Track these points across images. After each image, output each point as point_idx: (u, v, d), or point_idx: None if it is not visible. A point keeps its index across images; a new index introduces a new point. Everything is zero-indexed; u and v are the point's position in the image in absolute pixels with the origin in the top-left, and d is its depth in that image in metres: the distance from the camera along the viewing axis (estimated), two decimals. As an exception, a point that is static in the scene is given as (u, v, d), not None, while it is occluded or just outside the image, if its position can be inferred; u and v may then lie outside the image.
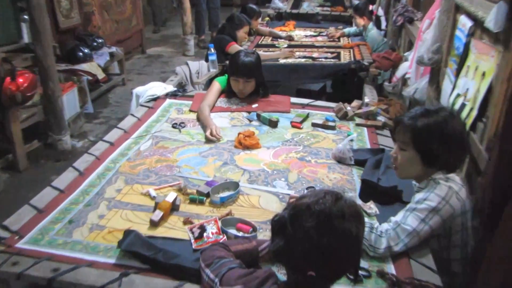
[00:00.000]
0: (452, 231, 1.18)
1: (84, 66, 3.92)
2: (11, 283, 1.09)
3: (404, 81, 3.08)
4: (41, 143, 3.22)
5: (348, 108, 2.24)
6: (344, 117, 2.20)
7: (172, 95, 2.47)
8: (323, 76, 3.23)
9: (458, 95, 1.66)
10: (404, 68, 2.96)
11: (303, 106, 2.37)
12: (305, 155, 1.81)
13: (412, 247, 1.15)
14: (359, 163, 1.71)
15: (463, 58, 1.67)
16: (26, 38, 3.20)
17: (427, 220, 1.13)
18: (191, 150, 1.84)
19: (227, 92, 2.39)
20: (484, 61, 1.44)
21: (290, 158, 1.79)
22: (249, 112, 2.26)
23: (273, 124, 2.10)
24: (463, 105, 1.56)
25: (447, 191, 1.16)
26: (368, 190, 1.49)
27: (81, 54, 3.96)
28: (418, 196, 1.18)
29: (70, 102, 3.50)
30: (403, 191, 1.42)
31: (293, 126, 2.10)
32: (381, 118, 2.14)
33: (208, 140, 1.90)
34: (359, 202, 1.41)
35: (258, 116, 2.17)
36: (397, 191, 1.43)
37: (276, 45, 3.94)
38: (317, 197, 0.82)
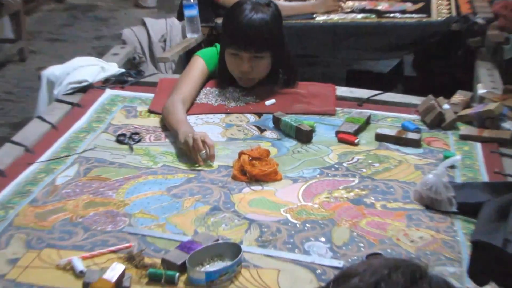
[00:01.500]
0: None
1: None
2: None
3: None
4: None
5: (446, 106, 2.29)
6: (438, 123, 2.25)
7: (117, 81, 2.56)
8: (397, 47, 3.28)
9: None
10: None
11: (360, 103, 2.45)
12: (364, 195, 1.86)
13: None
14: (467, 209, 1.74)
15: None
16: None
17: None
18: (152, 185, 1.91)
19: (220, 78, 2.50)
20: None
21: (336, 199, 1.84)
22: (259, 115, 2.35)
23: (305, 136, 2.16)
24: None
25: None
26: (487, 262, 1.48)
27: None
28: None
29: None
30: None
31: (341, 141, 2.18)
32: (510, 125, 2.18)
33: (190, 163, 2.02)
34: (469, 285, 1.40)
35: (277, 121, 2.24)
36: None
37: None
38: (377, 276, 0.83)
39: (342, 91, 2.55)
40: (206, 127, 2.28)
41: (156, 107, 2.39)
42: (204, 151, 2.00)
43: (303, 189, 1.91)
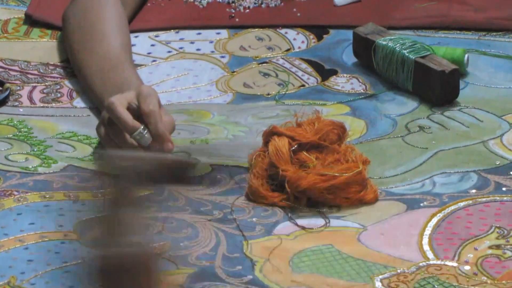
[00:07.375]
0: None
1: None
2: None
3: None
4: None
5: None
6: None
7: None
8: None
9: None
10: None
11: None
12: None
13: None
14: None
15: None
16: None
17: None
18: (37, 215, 1.28)
19: None
20: None
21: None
22: (317, 32, 1.66)
23: (440, 85, 1.52)
24: None
25: None
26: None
27: None
28: None
29: None
30: None
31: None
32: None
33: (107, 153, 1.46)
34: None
35: (365, 46, 1.59)
36: None
37: None
38: None
39: None
40: (178, 65, 1.52)
41: (45, 9, 1.63)
42: (141, 130, 1.29)
43: (433, 224, 1.24)
